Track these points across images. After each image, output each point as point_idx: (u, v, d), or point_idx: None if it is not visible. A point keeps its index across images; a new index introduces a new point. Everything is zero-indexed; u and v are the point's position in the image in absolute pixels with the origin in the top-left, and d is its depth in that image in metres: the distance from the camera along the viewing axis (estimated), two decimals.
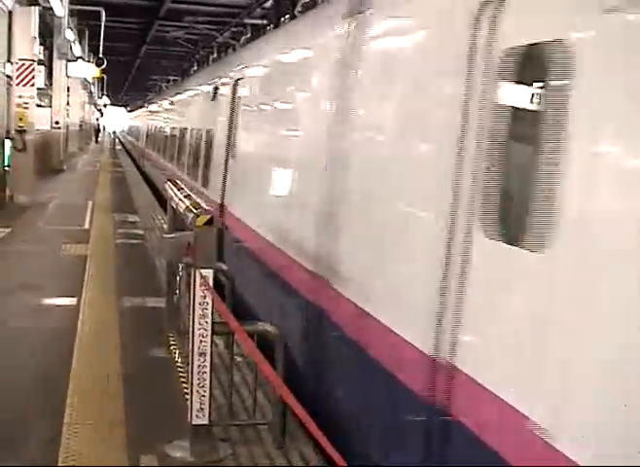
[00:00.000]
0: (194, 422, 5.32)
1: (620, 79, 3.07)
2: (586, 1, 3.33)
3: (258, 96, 10.23)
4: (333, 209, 6.04)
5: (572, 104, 3.20)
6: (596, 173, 3.09)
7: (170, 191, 7.44)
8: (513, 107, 3.75)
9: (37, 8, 20.60)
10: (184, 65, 52.82)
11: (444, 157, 4.20)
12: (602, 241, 3.04)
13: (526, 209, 3.49)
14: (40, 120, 25.28)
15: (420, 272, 4.48)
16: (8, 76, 18.84)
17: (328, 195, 6.20)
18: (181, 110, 21.75)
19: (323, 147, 6.44)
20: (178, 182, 7.80)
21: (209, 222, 5.34)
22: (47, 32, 29.61)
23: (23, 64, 19.40)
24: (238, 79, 11.49)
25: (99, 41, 33.38)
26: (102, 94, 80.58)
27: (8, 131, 18.83)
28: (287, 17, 23.04)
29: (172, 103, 25.19)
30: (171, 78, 57.29)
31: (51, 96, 32.78)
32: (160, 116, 30.59)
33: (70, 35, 31.51)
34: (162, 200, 14.79)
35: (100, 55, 34.34)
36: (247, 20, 31.99)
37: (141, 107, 57.39)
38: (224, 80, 13.06)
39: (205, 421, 5.33)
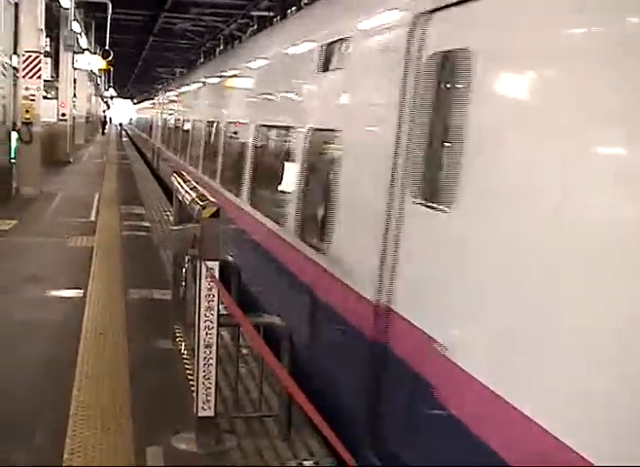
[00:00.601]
0: (199, 414, 5.32)
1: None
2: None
3: None
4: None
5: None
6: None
7: (176, 183, 7.43)
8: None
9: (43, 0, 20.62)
10: (190, 57, 52.74)
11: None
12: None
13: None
14: (46, 112, 25.31)
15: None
16: (14, 68, 18.83)
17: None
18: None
19: None
20: (184, 174, 7.79)
21: (215, 214, 5.33)
22: (53, 24, 29.61)
23: (30, 56, 19.40)
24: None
25: (106, 33, 33.33)
26: (109, 86, 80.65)
27: (14, 124, 18.82)
28: (293, 8, 22.99)
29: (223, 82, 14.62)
30: (177, 70, 57.02)
31: (57, 88, 32.78)
32: (193, 104, 19.75)
33: (76, 27, 31.51)
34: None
35: (107, 47, 34.34)
36: (253, 12, 31.93)
37: (153, 96, 43.83)
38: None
39: (211, 413, 5.33)
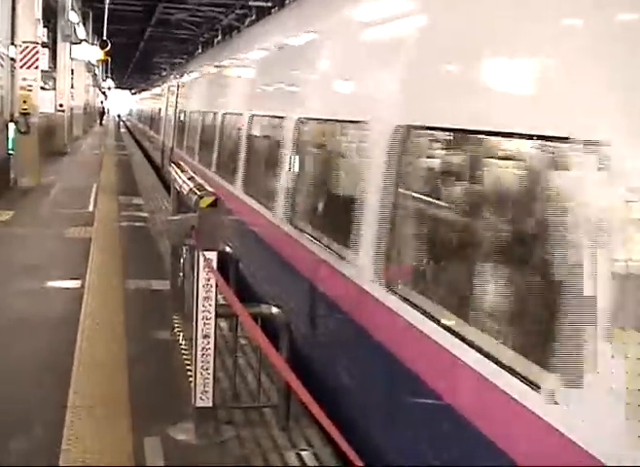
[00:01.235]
0: (197, 405, 5.32)
1: None
2: None
3: None
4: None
5: None
6: None
7: (174, 173, 7.41)
8: None
9: None
10: (188, 48, 52.66)
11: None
12: None
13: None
14: (44, 103, 25.22)
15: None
16: (12, 59, 18.78)
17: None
18: None
19: None
20: (182, 164, 7.76)
21: (213, 204, 5.32)
22: (50, 14, 29.53)
23: (27, 47, 19.33)
24: None
25: (103, 23, 33.30)
26: (106, 77, 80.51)
27: (12, 115, 18.78)
28: None
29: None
30: (177, 61, 56.86)
31: (55, 79, 32.71)
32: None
33: (74, 17, 31.45)
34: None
35: (104, 38, 34.27)
36: (252, 2, 31.85)
37: (162, 81, 33.17)
38: None
39: (209, 404, 5.33)
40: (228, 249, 8.03)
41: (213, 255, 5.21)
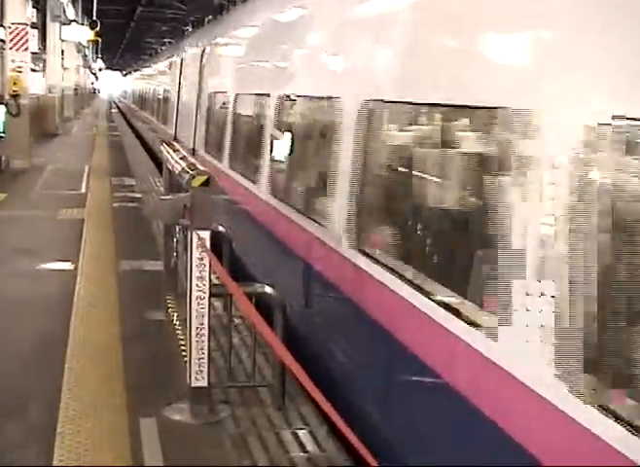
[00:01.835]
0: (193, 384, 5.31)
1: None
2: None
3: None
4: None
5: None
6: None
7: (166, 153, 7.37)
8: None
9: None
10: (179, 28, 52.41)
11: None
12: None
13: None
14: (34, 84, 25.13)
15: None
16: (1, 40, 18.68)
17: None
18: None
19: None
20: (174, 144, 7.72)
21: (205, 183, 5.29)
22: None
23: (16, 28, 19.21)
24: None
25: (93, 3, 33.08)
26: (97, 58, 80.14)
27: (2, 97, 18.73)
28: None
29: None
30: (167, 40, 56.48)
31: (45, 60, 32.55)
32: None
33: None
34: None
35: (94, 18, 34.05)
36: None
37: (166, 56, 25.89)
38: None
39: (204, 384, 5.32)
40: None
41: (206, 234, 5.18)
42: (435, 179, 4.55)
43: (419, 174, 4.70)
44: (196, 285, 5.22)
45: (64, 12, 33.04)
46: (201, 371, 5.29)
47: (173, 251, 7.46)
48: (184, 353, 6.08)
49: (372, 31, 5.60)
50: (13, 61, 19.18)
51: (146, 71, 38.31)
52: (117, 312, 7.60)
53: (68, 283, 8.55)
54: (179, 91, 17.90)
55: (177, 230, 7.25)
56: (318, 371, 4.74)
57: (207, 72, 13.96)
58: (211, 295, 5.29)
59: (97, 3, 33.33)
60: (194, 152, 13.37)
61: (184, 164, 6.02)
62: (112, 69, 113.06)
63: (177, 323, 7.15)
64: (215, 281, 5.50)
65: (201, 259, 5.19)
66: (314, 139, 6.89)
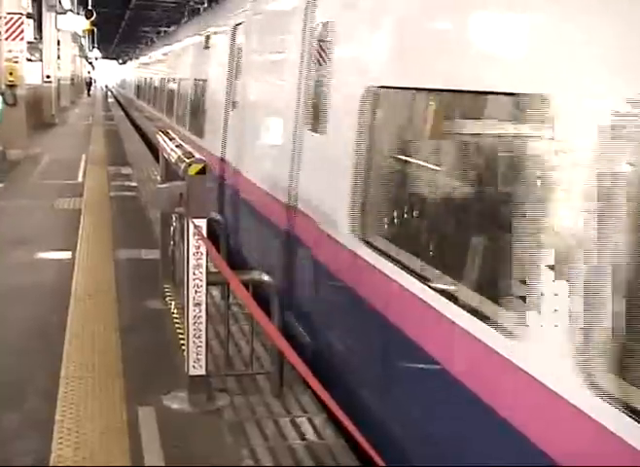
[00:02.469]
0: (191, 373, 5.31)
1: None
2: None
3: None
4: None
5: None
6: None
7: (162, 141, 7.35)
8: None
9: None
10: (175, 17, 52.20)
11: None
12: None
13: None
14: (31, 74, 25.04)
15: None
16: None
17: None
18: None
19: None
20: (170, 132, 7.70)
21: (202, 171, 5.27)
22: None
23: (12, 18, 19.15)
24: None
25: None
26: (93, 47, 79.93)
27: None
28: None
29: None
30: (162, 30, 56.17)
31: (41, 50, 32.43)
32: None
33: None
34: None
35: (89, 7, 33.93)
36: None
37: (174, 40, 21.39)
38: None
39: (202, 372, 5.32)
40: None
41: (203, 222, 5.17)
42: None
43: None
44: (193, 273, 5.21)
45: (60, 1, 32.92)
46: (199, 359, 5.29)
47: (170, 240, 7.44)
48: (182, 342, 6.08)
49: None
50: (9, 51, 19.11)
51: (141, 61, 34.36)
52: (114, 301, 7.59)
53: (66, 272, 8.54)
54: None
55: (173, 218, 7.23)
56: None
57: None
58: (208, 283, 5.28)
59: None
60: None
61: (180, 153, 6.00)
62: (108, 58, 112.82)
63: (175, 311, 7.14)
64: (212, 269, 5.50)
65: (198, 247, 5.18)
66: None
